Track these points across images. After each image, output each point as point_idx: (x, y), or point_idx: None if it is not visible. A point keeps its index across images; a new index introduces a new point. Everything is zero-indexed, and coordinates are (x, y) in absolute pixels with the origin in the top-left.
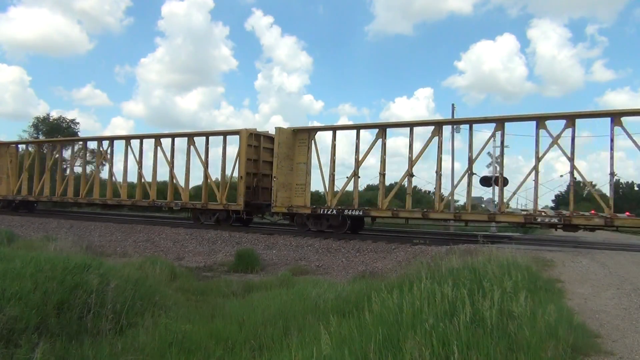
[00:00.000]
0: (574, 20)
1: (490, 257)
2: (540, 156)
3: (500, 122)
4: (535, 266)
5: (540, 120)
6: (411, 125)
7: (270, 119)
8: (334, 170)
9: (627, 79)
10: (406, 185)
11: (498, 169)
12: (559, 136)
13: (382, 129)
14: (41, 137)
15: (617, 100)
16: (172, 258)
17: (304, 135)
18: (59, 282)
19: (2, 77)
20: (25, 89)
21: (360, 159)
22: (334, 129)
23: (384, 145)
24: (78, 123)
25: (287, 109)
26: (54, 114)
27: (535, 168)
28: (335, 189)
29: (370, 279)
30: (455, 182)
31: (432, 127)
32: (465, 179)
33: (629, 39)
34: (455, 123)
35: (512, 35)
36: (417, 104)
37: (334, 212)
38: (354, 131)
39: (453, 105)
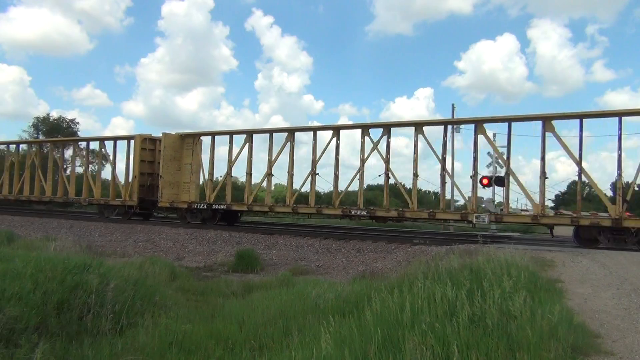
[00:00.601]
0: (574, 20)
1: (490, 257)
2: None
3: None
4: (535, 266)
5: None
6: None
7: (270, 119)
8: (212, 170)
9: (627, 79)
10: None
11: (498, 169)
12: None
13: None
14: (41, 137)
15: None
16: (172, 258)
17: (190, 140)
18: (59, 282)
19: (2, 77)
20: (25, 89)
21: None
22: (213, 134)
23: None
24: (78, 123)
25: (287, 109)
26: (54, 114)
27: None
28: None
29: (370, 279)
30: (455, 182)
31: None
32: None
33: (629, 39)
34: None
35: (512, 35)
36: (418, 104)
37: (205, 206)
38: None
39: (453, 105)
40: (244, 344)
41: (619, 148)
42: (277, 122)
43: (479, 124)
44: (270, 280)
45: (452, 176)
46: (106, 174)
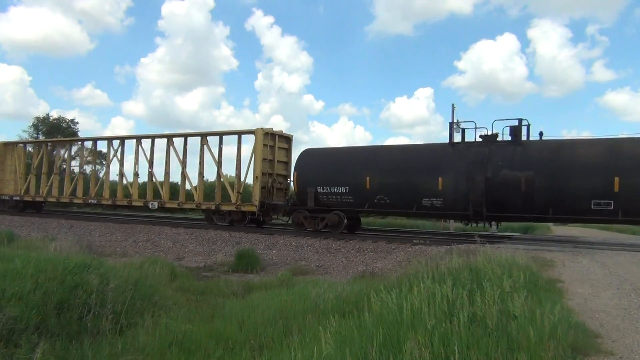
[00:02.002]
0: (574, 20)
1: (490, 257)
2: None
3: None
4: (535, 266)
5: (203, 137)
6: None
7: (270, 119)
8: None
9: (627, 79)
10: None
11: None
12: None
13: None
14: (41, 137)
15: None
16: (172, 258)
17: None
18: (59, 282)
19: (2, 77)
20: (25, 89)
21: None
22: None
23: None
24: (78, 123)
25: (288, 109)
26: (54, 114)
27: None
28: None
29: (370, 279)
30: None
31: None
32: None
33: (629, 39)
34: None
35: (513, 35)
36: (418, 104)
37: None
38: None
39: (453, 105)
40: (244, 344)
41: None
42: (277, 122)
43: (169, 138)
44: (270, 280)
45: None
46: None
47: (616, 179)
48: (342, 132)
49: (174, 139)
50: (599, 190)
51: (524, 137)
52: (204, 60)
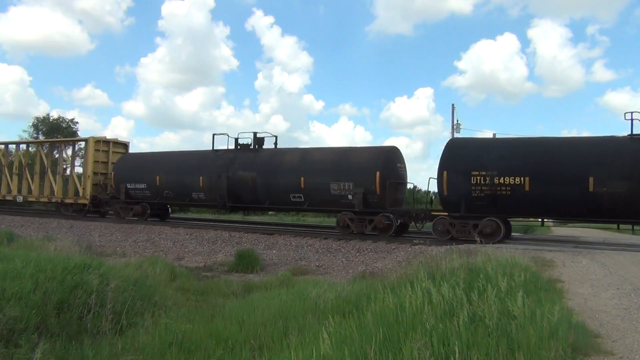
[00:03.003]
0: (574, 20)
1: (490, 257)
2: None
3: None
4: (535, 266)
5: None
6: None
7: (270, 119)
8: None
9: (627, 79)
10: None
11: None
12: None
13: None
14: (41, 137)
15: (618, 100)
16: (172, 258)
17: None
18: (59, 282)
19: (3, 77)
20: (25, 89)
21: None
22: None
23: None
24: (77, 123)
25: (288, 109)
26: (54, 114)
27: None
28: None
29: (370, 279)
30: None
31: None
32: None
33: (629, 39)
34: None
35: (513, 35)
36: (418, 104)
37: None
38: None
39: (453, 105)
40: (244, 344)
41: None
42: (278, 122)
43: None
44: (270, 280)
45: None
46: None
47: (302, 178)
48: (342, 132)
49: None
50: (294, 187)
51: (270, 146)
52: (204, 60)
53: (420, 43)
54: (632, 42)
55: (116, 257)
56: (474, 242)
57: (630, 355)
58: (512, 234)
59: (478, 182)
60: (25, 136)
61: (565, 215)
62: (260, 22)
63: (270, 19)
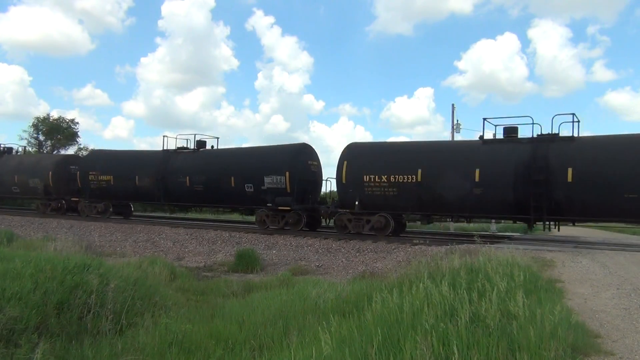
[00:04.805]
0: (575, 20)
1: (490, 257)
2: None
3: None
4: (535, 266)
5: None
6: None
7: (270, 119)
8: None
9: (627, 79)
10: None
11: None
12: None
13: None
14: (41, 137)
15: (618, 100)
16: (172, 258)
17: None
18: (59, 282)
19: (3, 77)
20: (25, 89)
21: None
22: None
23: None
24: (78, 123)
25: (288, 109)
26: (54, 114)
27: None
28: None
29: (370, 279)
30: None
31: None
32: None
33: (630, 39)
34: None
35: (513, 35)
36: (418, 104)
37: None
38: None
39: (453, 105)
40: (244, 344)
41: None
42: (278, 122)
43: None
44: (270, 280)
45: None
46: None
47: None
48: (342, 132)
49: None
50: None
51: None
52: (204, 60)
53: (421, 43)
54: (633, 42)
55: (116, 257)
56: (473, 242)
57: (631, 355)
58: (512, 234)
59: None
60: (26, 136)
61: None
62: (261, 22)
63: (270, 19)
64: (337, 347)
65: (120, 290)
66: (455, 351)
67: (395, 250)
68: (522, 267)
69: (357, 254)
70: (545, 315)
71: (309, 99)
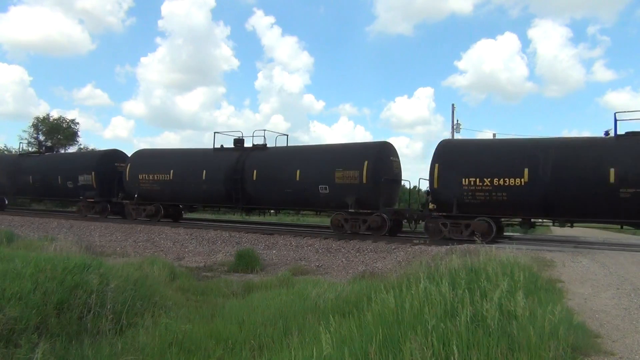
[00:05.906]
0: (575, 20)
1: (490, 257)
2: None
3: None
4: (535, 266)
5: None
6: None
7: (270, 119)
8: None
9: (628, 79)
10: None
11: None
12: None
13: None
14: (40, 137)
15: (618, 100)
16: (172, 258)
17: None
18: (59, 282)
19: (3, 77)
20: (25, 89)
21: None
22: None
23: None
24: (78, 123)
25: (288, 109)
26: (54, 114)
27: None
28: None
29: (370, 279)
30: None
31: None
32: None
33: (630, 39)
34: None
35: (513, 35)
36: (418, 104)
37: None
38: None
39: (453, 105)
40: (244, 344)
41: None
42: (278, 122)
43: None
44: (270, 280)
45: None
46: None
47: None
48: (342, 132)
49: None
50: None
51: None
52: (204, 60)
53: (421, 43)
54: (633, 42)
55: (116, 257)
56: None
57: (631, 355)
58: (512, 234)
59: None
60: (26, 136)
61: None
62: (261, 22)
63: (270, 19)
64: (337, 347)
65: (121, 290)
66: (455, 351)
67: (395, 250)
68: (522, 267)
69: (357, 254)
70: (545, 315)
71: (309, 99)
